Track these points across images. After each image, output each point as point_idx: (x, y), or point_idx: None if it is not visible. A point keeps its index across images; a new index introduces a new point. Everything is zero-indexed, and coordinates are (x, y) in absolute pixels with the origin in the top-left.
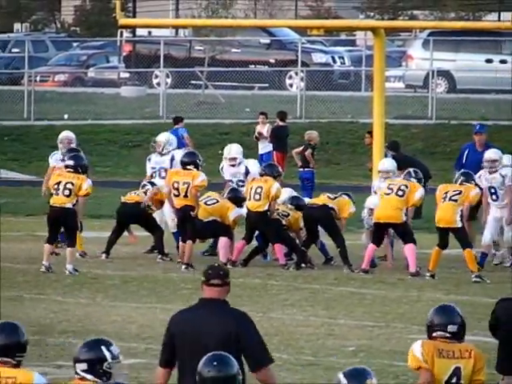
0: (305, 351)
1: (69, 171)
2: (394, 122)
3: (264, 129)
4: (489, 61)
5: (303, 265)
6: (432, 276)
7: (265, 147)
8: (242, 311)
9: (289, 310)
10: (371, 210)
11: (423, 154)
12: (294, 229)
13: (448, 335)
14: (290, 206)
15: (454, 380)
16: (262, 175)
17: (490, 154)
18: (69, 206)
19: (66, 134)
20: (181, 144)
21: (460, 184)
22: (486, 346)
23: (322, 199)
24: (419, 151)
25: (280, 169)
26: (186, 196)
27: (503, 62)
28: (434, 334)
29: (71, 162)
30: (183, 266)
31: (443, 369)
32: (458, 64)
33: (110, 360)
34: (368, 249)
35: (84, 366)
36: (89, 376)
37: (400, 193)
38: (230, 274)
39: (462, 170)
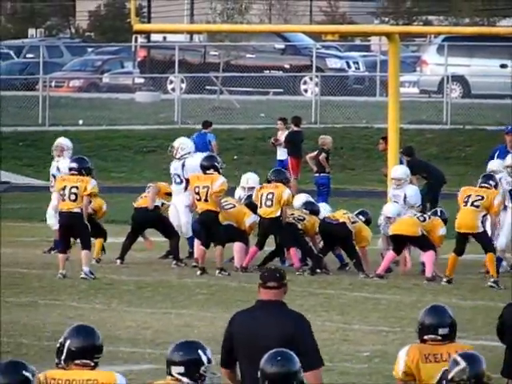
0: None
1: (72, 174)
2: (408, 127)
3: (283, 135)
4: (503, 66)
5: (318, 270)
6: (449, 281)
7: (283, 153)
8: (299, 313)
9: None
10: (388, 218)
11: (438, 159)
12: (309, 234)
13: (439, 338)
14: (304, 210)
15: (443, 383)
16: (269, 181)
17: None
18: (76, 210)
19: (60, 141)
20: (206, 149)
21: (480, 186)
22: (498, 351)
23: (342, 216)
24: (434, 156)
25: (288, 175)
26: (206, 200)
27: None
28: (426, 337)
29: (75, 165)
30: (199, 272)
31: (431, 373)
32: (473, 69)
33: (206, 364)
34: (387, 255)
35: (181, 369)
36: (185, 379)
37: (421, 218)
38: (244, 280)
39: (484, 173)
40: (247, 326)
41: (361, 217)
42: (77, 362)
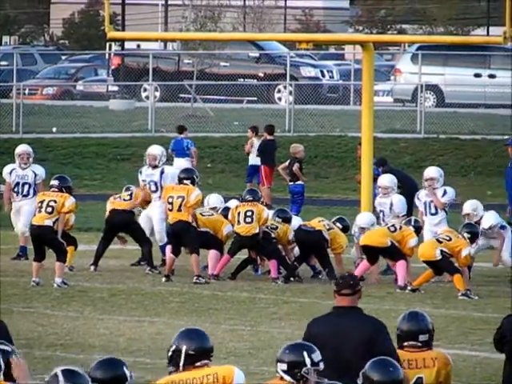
0: None
1: (53, 191)
2: (382, 136)
3: (253, 143)
4: (477, 75)
5: (291, 279)
6: (413, 290)
7: (255, 159)
8: (376, 318)
9: (277, 323)
10: (362, 228)
11: (412, 168)
12: (282, 241)
13: (419, 344)
14: (277, 219)
15: None
16: (245, 200)
17: None
18: (47, 223)
19: (26, 148)
20: (184, 154)
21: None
22: (472, 360)
23: (318, 224)
24: (408, 165)
25: (260, 193)
26: (179, 210)
27: (492, 76)
28: (405, 344)
29: (56, 183)
30: (164, 279)
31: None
32: (447, 78)
33: (309, 366)
34: (361, 264)
35: (284, 366)
36: (287, 377)
37: (392, 228)
38: (218, 288)
39: (468, 223)
40: (327, 329)
41: (338, 224)
42: (197, 364)
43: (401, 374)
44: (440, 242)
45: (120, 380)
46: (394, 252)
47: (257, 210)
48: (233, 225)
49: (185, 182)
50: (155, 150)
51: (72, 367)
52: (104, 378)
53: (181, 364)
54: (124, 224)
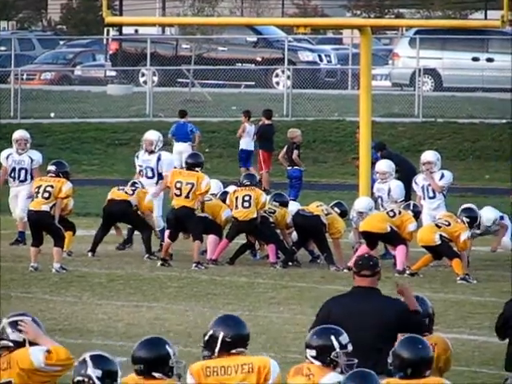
0: (291, 349)
1: (51, 176)
2: (380, 120)
3: (247, 128)
4: (475, 59)
5: (290, 263)
6: (411, 275)
7: (246, 143)
8: (395, 298)
9: (275, 308)
10: (360, 212)
11: (410, 152)
12: (280, 226)
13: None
14: (274, 203)
15: None
16: (243, 185)
17: None
18: (44, 208)
19: (23, 134)
20: (186, 139)
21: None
22: (471, 344)
23: (316, 209)
24: (406, 149)
25: (257, 178)
26: (187, 197)
27: (490, 60)
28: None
29: (53, 168)
30: (159, 262)
31: None
32: (445, 62)
33: (337, 349)
34: (361, 248)
35: (313, 352)
36: (317, 362)
37: (391, 213)
38: (216, 273)
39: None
40: (346, 306)
41: (336, 209)
42: (233, 351)
43: (430, 352)
44: (439, 227)
45: (164, 359)
46: (394, 237)
47: (255, 195)
48: (231, 209)
49: (193, 168)
50: (152, 135)
51: (101, 352)
52: (148, 357)
53: (216, 350)
54: (121, 214)
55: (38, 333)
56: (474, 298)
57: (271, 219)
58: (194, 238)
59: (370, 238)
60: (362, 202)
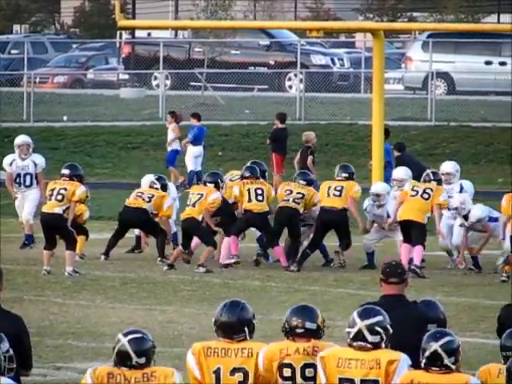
0: None
1: (64, 180)
2: (393, 124)
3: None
4: (488, 63)
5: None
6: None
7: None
8: (420, 307)
9: None
10: (378, 195)
11: (422, 156)
12: (309, 206)
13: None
14: (301, 182)
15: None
16: (247, 177)
17: None
18: (57, 210)
19: (25, 139)
20: (201, 141)
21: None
22: (483, 348)
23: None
24: (418, 153)
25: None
26: (193, 206)
27: (502, 63)
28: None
29: (67, 171)
30: (165, 267)
31: None
32: (458, 66)
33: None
34: (403, 247)
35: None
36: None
37: (425, 196)
38: (229, 276)
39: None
40: None
41: (344, 174)
42: (235, 336)
43: (456, 343)
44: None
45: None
46: (422, 234)
47: (266, 189)
48: (238, 202)
49: (208, 185)
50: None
51: (136, 330)
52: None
53: (218, 334)
54: (135, 222)
55: None
56: (486, 302)
57: (301, 204)
58: (207, 245)
59: (407, 229)
60: (379, 185)
